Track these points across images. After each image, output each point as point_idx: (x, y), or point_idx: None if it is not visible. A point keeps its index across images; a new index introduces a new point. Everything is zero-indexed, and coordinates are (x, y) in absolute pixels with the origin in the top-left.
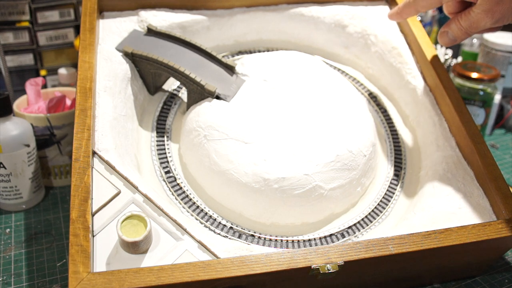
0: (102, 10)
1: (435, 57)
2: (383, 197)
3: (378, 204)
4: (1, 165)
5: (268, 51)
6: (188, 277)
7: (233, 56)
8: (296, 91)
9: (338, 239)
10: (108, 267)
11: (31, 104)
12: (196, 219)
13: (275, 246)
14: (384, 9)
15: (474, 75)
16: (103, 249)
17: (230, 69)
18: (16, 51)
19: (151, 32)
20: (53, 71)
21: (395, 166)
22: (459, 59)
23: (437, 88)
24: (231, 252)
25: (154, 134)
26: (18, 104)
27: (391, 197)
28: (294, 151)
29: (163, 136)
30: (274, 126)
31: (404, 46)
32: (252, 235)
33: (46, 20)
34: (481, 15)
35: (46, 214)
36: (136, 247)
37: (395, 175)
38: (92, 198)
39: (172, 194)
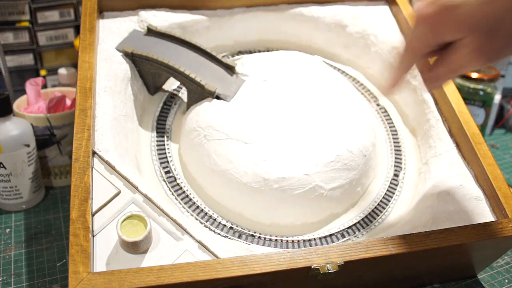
0: (102, 10)
1: None
2: (383, 197)
3: (378, 204)
4: (1, 165)
5: (268, 51)
6: (188, 277)
7: (233, 56)
8: (296, 91)
9: (338, 239)
10: (108, 267)
11: (31, 104)
12: (196, 219)
13: (275, 246)
14: (384, 9)
15: (474, 75)
16: (103, 249)
17: (230, 69)
18: (16, 51)
19: (151, 32)
20: (53, 71)
21: (395, 166)
22: None
23: None
24: (231, 252)
25: (154, 134)
26: (18, 104)
27: (391, 197)
28: (294, 151)
29: (163, 136)
30: (274, 126)
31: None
32: (252, 235)
33: (46, 20)
34: (469, 55)
35: (46, 214)
36: (136, 247)
37: (395, 175)
38: (92, 198)
39: (172, 194)
